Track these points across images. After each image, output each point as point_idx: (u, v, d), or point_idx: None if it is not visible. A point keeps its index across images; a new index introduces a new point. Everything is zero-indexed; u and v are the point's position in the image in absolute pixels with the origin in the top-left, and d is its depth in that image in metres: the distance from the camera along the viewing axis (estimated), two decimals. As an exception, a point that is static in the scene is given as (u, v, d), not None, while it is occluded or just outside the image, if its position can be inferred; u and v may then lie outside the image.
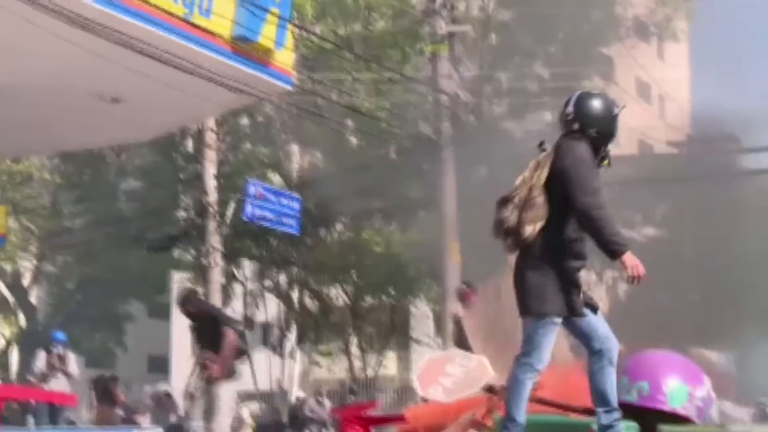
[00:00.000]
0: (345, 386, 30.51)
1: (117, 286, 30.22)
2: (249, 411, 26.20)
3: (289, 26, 12.96)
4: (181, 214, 25.63)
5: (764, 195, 28.95)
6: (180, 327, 27.93)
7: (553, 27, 27.73)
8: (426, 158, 21.99)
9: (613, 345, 5.82)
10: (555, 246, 5.73)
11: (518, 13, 27.21)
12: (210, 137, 21.34)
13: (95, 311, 31.29)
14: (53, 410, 14.54)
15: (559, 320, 5.75)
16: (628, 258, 5.64)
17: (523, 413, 5.77)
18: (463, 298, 11.83)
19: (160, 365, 36.40)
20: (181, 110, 13.74)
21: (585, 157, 5.82)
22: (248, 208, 17.87)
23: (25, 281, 30.81)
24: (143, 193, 28.40)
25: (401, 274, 26.61)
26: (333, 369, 30.89)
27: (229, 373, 10.56)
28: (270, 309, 29.91)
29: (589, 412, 6.60)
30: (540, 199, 5.72)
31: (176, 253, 27.18)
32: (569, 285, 5.75)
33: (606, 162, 6.00)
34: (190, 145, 24.99)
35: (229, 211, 22.54)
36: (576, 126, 5.95)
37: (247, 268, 28.85)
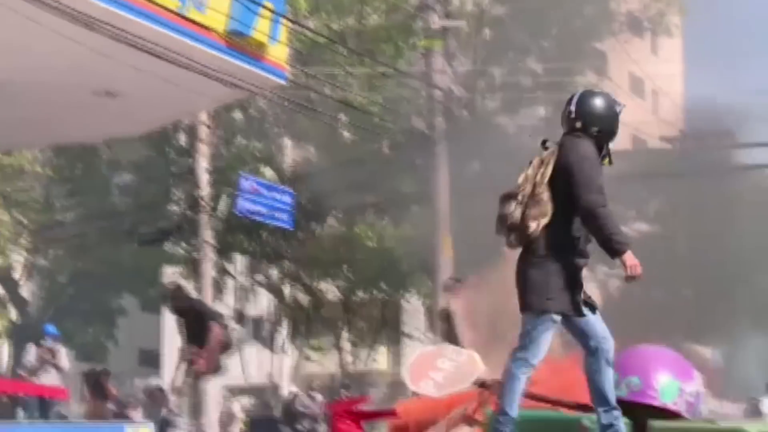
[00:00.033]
0: (336, 381, 30.54)
1: (109, 280, 30.17)
2: (240, 405, 26.24)
3: (283, 21, 12.94)
4: (174, 208, 25.61)
5: (757, 190, 29.02)
6: (172, 321, 27.87)
7: (546, 22, 27.73)
8: (419, 153, 21.99)
9: (610, 345, 5.86)
10: (559, 243, 5.76)
11: (512, 8, 27.20)
12: (203, 131, 21.33)
13: (87, 305, 31.23)
14: (44, 404, 14.51)
15: (559, 318, 5.78)
16: (629, 257, 5.68)
17: (515, 408, 5.79)
18: (451, 291, 11.87)
19: (151, 359, 36.40)
20: (175, 104, 13.72)
21: (590, 155, 5.87)
22: (240, 203, 17.85)
23: (17, 275, 30.75)
24: (136, 187, 28.35)
25: (393, 268, 26.61)
26: (324, 363, 30.91)
27: (215, 368, 10.55)
28: (261, 303, 29.94)
29: (581, 407, 6.62)
30: (545, 195, 5.75)
31: (168, 247, 27.15)
32: (573, 283, 5.79)
33: (607, 160, 6.04)
34: (182, 139, 24.97)
35: (222, 206, 22.53)
36: (578, 124, 5.99)
37: (239, 262, 28.86)
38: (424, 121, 21.40)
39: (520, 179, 5.93)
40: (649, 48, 37.95)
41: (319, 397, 25.14)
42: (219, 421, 21.61)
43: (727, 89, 29.56)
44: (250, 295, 29.73)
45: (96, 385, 18.10)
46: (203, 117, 21.02)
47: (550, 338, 5.81)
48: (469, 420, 6.99)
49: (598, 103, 6.04)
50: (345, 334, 29.16)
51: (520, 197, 5.80)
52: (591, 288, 6.15)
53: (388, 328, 29.82)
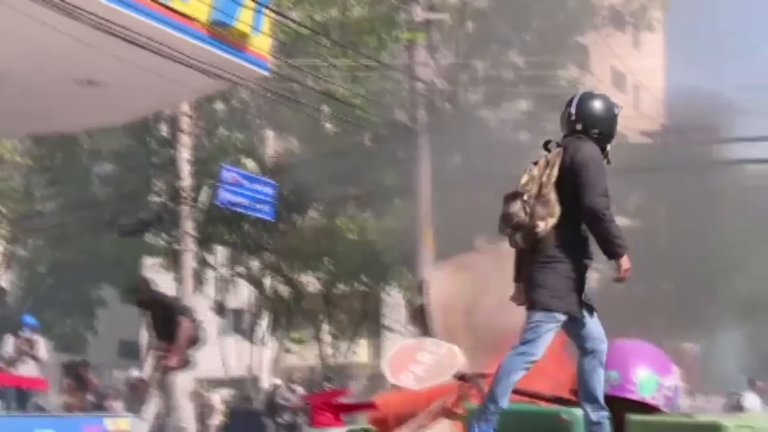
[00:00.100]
0: (316, 373, 30.53)
1: (89, 270, 30.04)
2: (220, 397, 26.20)
3: (266, 11, 12.90)
4: (155, 199, 25.51)
5: (738, 186, 29.16)
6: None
7: (529, 15, 27.77)
8: (401, 145, 21.98)
9: (605, 346, 5.94)
10: (567, 244, 5.80)
11: (495, 1, 27.23)
12: (185, 122, 21.25)
13: (66, 296, 31.11)
14: (22, 395, 14.45)
15: (564, 318, 5.82)
16: (625, 261, 5.79)
17: (507, 400, 5.83)
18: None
19: (131, 351, 36.27)
20: (157, 95, 13.67)
21: (596, 157, 5.92)
22: (222, 194, 17.83)
23: (-4, 265, 30.61)
24: (116, 178, 28.22)
25: (375, 261, 26.61)
26: (304, 356, 30.90)
27: (185, 363, 10.49)
28: (242, 295, 29.88)
29: (559, 400, 6.64)
30: (552, 196, 5.78)
31: (149, 238, 27.06)
32: (579, 284, 5.85)
33: (605, 162, 6.07)
34: (164, 129, 24.87)
35: (203, 197, 22.46)
36: (579, 126, 6.03)
37: (220, 253, 28.78)
38: (407, 114, 21.38)
39: (523, 179, 5.94)
40: (631, 42, 38.05)
41: (299, 389, 25.14)
42: (196, 414, 21.55)
43: (709, 84, 29.70)
44: (231, 286, 29.65)
45: (76, 377, 18.05)
46: (185, 107, 20.94)
47: (552, 337, 5.85)
48: (449, 413, 7.00)
49: (598, 105, 6.10)
50: (326, 327, 29.15)
51: (525, 197, 5.80)
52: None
53: (368, 320, 29.85)
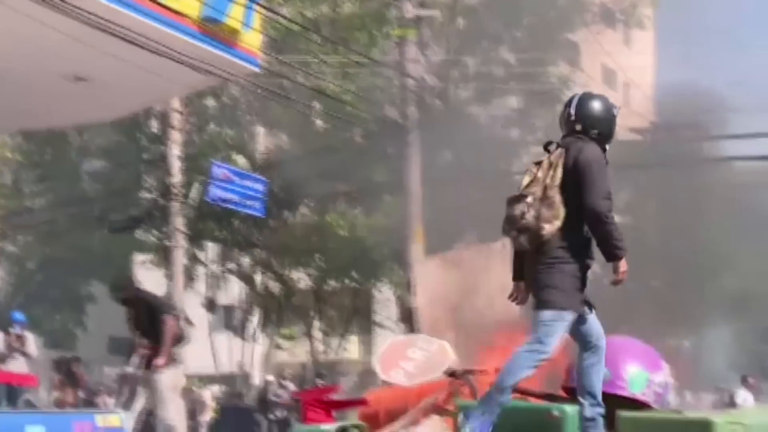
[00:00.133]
0: (307, 369, 30.54)
1: (79, 266, 30.00)
2: (211, 393, 26.19)
3: (257, 8, 12.88)
4: (145, 195, 25.48)
5: (727, 183, 29.23)
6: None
7: (519, 12, 27.77)
8: (392, 142, 21.98)
9: (604, 343, 6.01)
10: (572, 245, 5.83)
11: (485, -2, 27.23)
12: (175, 118, 21.22)
13: (56, 292, 31.07)
14: (11, 391, 14.42)
15: (573, 317, 5.85)
16: (623, 264, 5.85)
17: (510, 396, 5.88)
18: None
19: (121, 347, 36.21)
20: (148, 91, 13.64)
21: (599, 159, 5.95)
22: (213, 190, 17.81)
23: (-15, 261, 30.55)
24: (106, 174, 28.19)
25: (365, 257, 26.62)
26: (295, 352, 30.91)
27: (171, 361, 10.50)
28: (233, 291, 29.88)
29: (549, 397, 6.66)
30: (557, 198, 5.80)
31: (139, 234, 27.03)
32: (583, 283, 5.91)
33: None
34: (154, 125, 24.84)
35: (193, 193, 22.45)
36: (578, 127, 6.06)
37: (211, 249, 28.77)
38: (397, 110, 21.38)
39: (525, 180, 5.96)
40: (621, 40, 38.10)
41: (291, 386, 25.16)
42: (187, 410, 21.54)
43: (698, 82, 29.71)
44: (222, 282, 29.65)
45: (67, 373, 18.01)
46: (175, 104, 20.91)
47: (562, 335, 5.88)
48: (440, 410, 7.01)
49: (597, 105, 6.13)
50: (316, 323, 29.16)
51: (530, 199, 5.82)
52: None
53: (359, 317, 29.89)
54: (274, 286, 28.55)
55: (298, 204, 26.68)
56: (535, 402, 6.66)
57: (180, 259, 21.39)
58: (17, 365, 14.76)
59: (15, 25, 10.67)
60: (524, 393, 6.76)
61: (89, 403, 18.73)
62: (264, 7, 14.34)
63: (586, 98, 6.18)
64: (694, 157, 25.80)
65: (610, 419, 5.96)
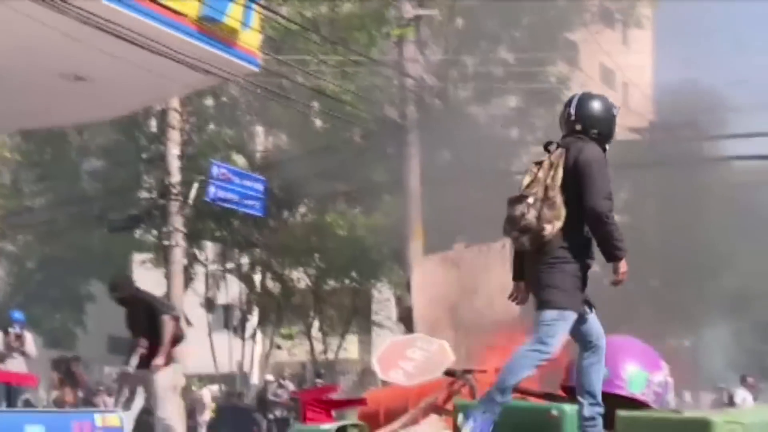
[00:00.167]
0: (306, 369, 30.52)
1: (78, 265, 30.01)
2: (210, 393, 26.18)
3: (256, 7, 12.88)
4: (144, 194, 25.48)
5: (726, 182, 29.23)
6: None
7: (518, 12, 27.78)
8: (391, 142, 21.97)
9: (604, 342, 6.03)
10: (572, 245, 5.85)
11: (484, -3, 27.23)
12: (174, 117, 21.21)
13: (56, 291, 31.08)
14: (10, 391, 14.41)
15: (575, 317, 5.87)
16: (623, 264, 5.88)
17: (510, 395, 5.89)
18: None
19: (120, 346, 36.21)
20: (147, 90, 13.63)
21: (600, 159, 5.97)
22: (212, 190, 17.81)
23: (-15, 260, 30.55)
24: (106, 173, 28.19)
25: (364, 257, 26.62)
26: (294, 352, 30.90)
27: (170, 361, 10.53)
28: (232, 291, 29.87)
29: (548, 396, 6.66)
30: (558, 198, 5.82)
31: (138, 233, 27.03)
32: (584, 283, 5.92)
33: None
34: (153, 124, 24.84)
35: (192, 192, 22.43)
36: (578, 126, 6.07)
37: (210, 249, 28.76)
38: (397, 110, 21.38)
39: (525, 181, 5.97)
40: (620, 39, 38.11)
41: (290, 385, 25.16)
42: (186, 410, 21.54)
43: (697, 81, 29.70)
44: (221, 282, 29.65)
45: (67, 372, 18.00)
46: (174, 103, 20.90)
47: (565, 335, 5.90)
48: (439, 409, 7.02)
49: (597, 105, 6.15)
50: (315, 323, 29.15)
51: (531, 200, 5.83)
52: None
53: (358, 316, 29.87)
54: (274, 286, 28.56)
55: (297, 204, 26.68)
56: (534, 401, 6.66)
57: (179, 258, 21.36)
58: (16, 365, 14.73)
59: (14, 25, 10.67)
60: (523, 392, 6.77)
61: (88, 402, 18.72)
62: (263, 7, 14.35)
63: (586, 98, 6.19)
64: (692, 157, 25.81)
65: (609, 419, 5.96)
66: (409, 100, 20.98)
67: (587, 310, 5.96)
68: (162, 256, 23.16)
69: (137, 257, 29.54)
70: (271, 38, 18.37)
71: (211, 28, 11.94)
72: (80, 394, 18.69)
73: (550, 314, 5.83)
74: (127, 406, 10.50)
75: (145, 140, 25.50)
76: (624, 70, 35.75)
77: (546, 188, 5.85)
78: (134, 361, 10.56)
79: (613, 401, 6.19)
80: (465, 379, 7.02)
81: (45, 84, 12.54)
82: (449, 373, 7.18)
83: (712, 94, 29.09)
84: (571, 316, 5.85)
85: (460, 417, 5.76)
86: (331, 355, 29.34)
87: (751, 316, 30.34)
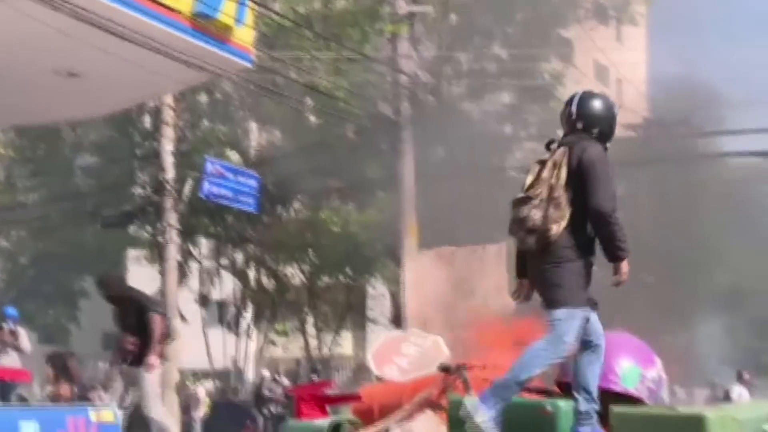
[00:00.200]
0: (300, 365, 30.52)
1: (72, 261, 29.97)
2: (204, 389, 26.19)
3: (249, 3, 12.87)
4: (138, 190, 25.46)
5: (721, 179, 29.28)
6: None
7: (512, 8, 27.78)
8: (385, 138, 21.98)
9: (603, 341, 6.07)
10: (576, 244, 5.86)
11: (478, -7, 27.22)
12: (168, 114, 21.19)
13: (49, 287, 31.04)
14: (4, 386, 14.39)
15: (586, 314, 5.89)
16: (625, 265, 5.91)
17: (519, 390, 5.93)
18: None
19: (114, 342, 36.16)
20: (140, 86, 13.62)
21: (603, 159, 5.98)
22: (205, 186, 17.80)
23: (-22, 256, 30.50)
24: (99, 169, 28.15)
25: (358, 253, 26.63)
26: (289, 348, 30.90)
27: (161, 359, 10.55)
28: (226, 287, 29.86)
29: (543, 392, 6.67)
30: (563, 198, 5.84)
31: (132, 229, 27.00)
32: (588, 281, 5.95)
33: None
34: (147, 121, 24.81)
35: (186, 189, 22.41)
36: (579, 125, 6.09)
37: (204, 245, 28.74)
38: (390, 107, 21.38)
39: (528, 180, 5.99)
40: (614, 36, 38.14)
41: (285, 381, 25.16)
42: (181, 405, 21.56)
43: (691, 78, 29.75)
44: (215, 278, 29.63)
45: (63, 368, 17.98)
46: (168, 99, 20.87)
47: (579, 333, 5.90)
48: (433, 404, 7.03)
49: (598, 104, 6.16)
50: (310, 319, 29.15)
51: (537, 200, 5.85)
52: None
53: (353, 312, 29.88)
54: (268, 282, 28.55)
55: (291, 200, 26.68)
56: (528, 397, 6.67)
57: (173, 254, 21.36)
58: (10, 360, 14.72)
59: (8, 21, 10.65)
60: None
61: (83, 398, 18.69)
62: (256, 3, 14.34)
63: (587, 97, 6.21)
64: (687, 153, 25.86)
65: (602, 415, 5.97)
66: (403, 96, 20.98)
67: (594, 308, 5.99)
68: (156, 252, 23.17)
69: (131, 253, 29.51)
70: (264, 35, 18.35)
71: (204, 25, 11.94)
72: (75, 389, 18.66)
73: (560, 313, 5.85)
74: (120, 403, 10.52)
75: (139, 136, 25.47)
76: (618, 67, 35.79)
77: (551, 188, 5.87)
78: (118, 358, 10.58)
79: (607, 397, 6.20)
80: (459, 374, 7.03)
81: (38, 80, 12.53)
82: (443, 368, 7.19)
83: (707, 91, 29.12)
84: (582, 314, 5.88)
85: (468, 405, 5.73)
86: (325, 351, 29.35)
87: (745, 312, 30.40)
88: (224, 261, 28.62)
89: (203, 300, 29.71)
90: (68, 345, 28.69)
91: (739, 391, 19.45)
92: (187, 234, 24.69)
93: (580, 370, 6.01)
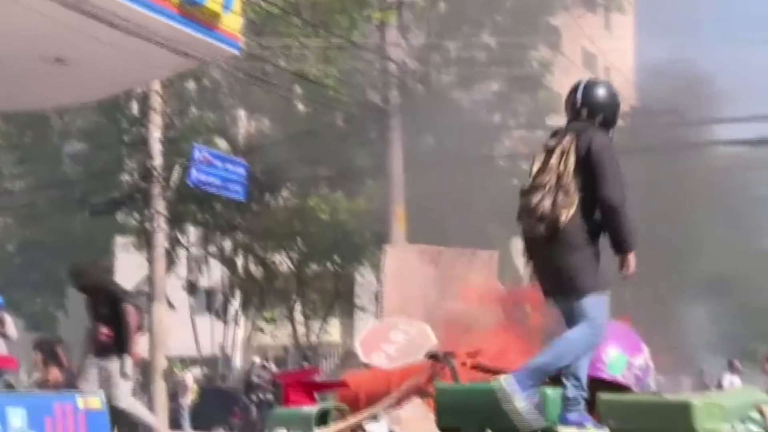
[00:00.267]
0: (288, 352, 30.54)
1: (59, 249, 29.87)
2: (192, 376, 26.19)
3: (237, -10, 12.82)
4: (126, 177, 25.40)
5: (707, 167, 29.37)
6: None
7: (500, -4, 27.78)
8: (373, 126, 21.97)
9: None
10: (587, 229, 5.91)
11: (467, -19, 27.19)
12: (155, 100, 21.12)
13: (36, 275, 30.95)
14: (-9, 374, 14.36)
15: (608, 295, 5.95)
16: (633, 257, 5.95)
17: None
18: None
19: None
20: (128, 73, 13.55)
21: (611, 148, 6.03)
22: (193, 173, 17.76)
23: (-35, 243, 30.40)
24: (87, 156, 28.06)
25: (347, 241, 26.63)
26: (276, 335, 30.91)
27: (132, 350, 10.56)
28: (214, 274, 29.85)
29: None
30: (572, 185, 5.88)
31: (120, 216, 26.94)
32: (598, 266, 5.99)
33: None
34: (135, 107, 24.73)
35: (174, 176, 22.37)
36: (584, 112, 6.13)
37: (192, 233, 28.71)
38: (379, 94, 21.37)
39: (535, 167, 6.03)
40: (602, 24, 38.15)
41: (274, 368, 25.19)
42: (168, 393, 21.55)
43: (680, 67, 29.79)
44: (203, 266, 29.61)
45: (52, 354, 17.96)
46: (156, 86, 20.80)
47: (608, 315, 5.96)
48: (421, 392, 7.04)
49: (603, 92, 6.23)
50: (298, 306, 29.16)
51: (546, 188, 5.88)
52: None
53: (341, 300, 29.89)
54: (256, 270, 28.54)
55: (279, 188, 26.65)
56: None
57: (161, 242, 21.31)
58: (-4, 347, 14.68)
59: (-6, 7, 10.60)
60: (501, 373, 6.78)
61: (71, 385, 18.66)
62: (245, -10, 14.28)
63: (591, 85, 6.27)
64: (674, 142, 25.91)
65: (590, 402, 5.99)
66: (392, 84, 20.98)
67: None
68: (144, 239, 23.10)
69: (119, 240, 29.44)
70: (252, 22, 18.29)
71: (192, 11, 11.88)
72: (64, 374, 18.62)
73: (588, 300, 5.90)
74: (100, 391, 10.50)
75: (127, 123, 25.39)
76: (606, 55, 35.79)
77: (559, 176, 5.91)
78: (92, 349, 10.59)
79: (594, 384, 6.22)
80: (446, 362, 7.04)
81: (25, 66, 12.46)
82: (431, 355, 7.20)
83: (694, 80, 29.17)
84: (605, 296, 5.95)
85: (505, 389, 5.72)
86: (313, 339, 29.38)
87: (732, 300, 30.52)
88: (212, 248, 28.60)
89: (191, 287, 29.69)
90: (55, 333, 28.58)
91: (730, 379, 19.55)
92: (175, 221, 24.64)
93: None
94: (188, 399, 24.56)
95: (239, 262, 28.61)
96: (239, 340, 31.67)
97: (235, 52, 13.12)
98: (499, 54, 26.51)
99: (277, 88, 21.45)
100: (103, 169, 25.79)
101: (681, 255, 28.90)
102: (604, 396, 5.89)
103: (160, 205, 20.91)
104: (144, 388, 20.75)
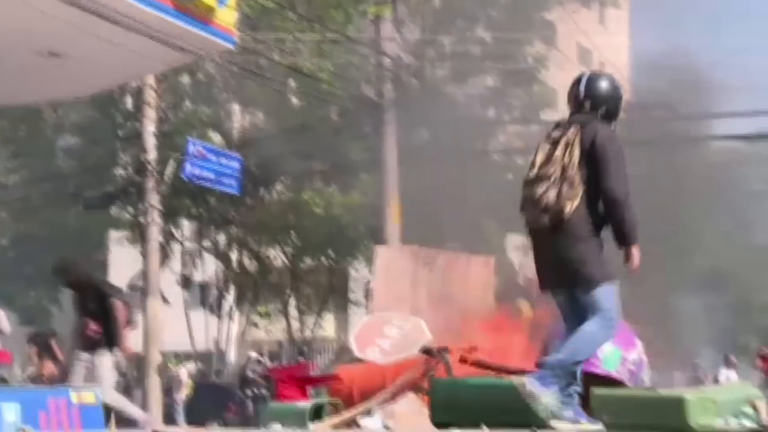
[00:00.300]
0: (282, 347, 30.53)
1: (53, 243, 29.80)
2: (186, 370, 26.17)
3: (232, -16, 12.80)
4: (120, 171, 25.36)
5: (703, 162, 29.39)
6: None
7: (495, -10, 27.78)
8: (368, 120, 21.96)
9: None
10: (592, 221, 5.94)
11: (461, -24, 27.18)
12: (150, 95, 21.09)
13: (30, 268, 30.87)
14: (-16, 368, 14.36)
15: (617, 284, 5.97)
16: (636, 250, 6.00)
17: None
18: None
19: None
20: (122, 67, 13.52)
21: (615, 141, 6.05)
22: (187, 167, 17.74)
23: (-42, 237, 30.34)
24: (81, 150, 28.01)
25: (341, 235, 26.61)
26: (271, 330, 30.90)
27: (120, 344, 10.59)
28: (208, 269, 29.82)
29: (524, 373, 6.69)
30: (577, 177, 5.90)
31: (114, 210, 26.90)
32: (603, 257, 6.02)
33: None
34: (129, 102, 24.69)
35: (169, 170, 22.34)
36: (587, 105, 6.16)
37: (186, 227, 28.67)
38: (373, 89, 21.36)
39: (539, 158, 6.03)
40: (597, 19, 38.15)
41: (268, 362, 25.18)
42: (162, 388, 21.54)
43: (674, 62, 29.82)
44: (197, 260, 29.58)
45: (46, 347, 17.96)
46: (150, 80, 20.77)
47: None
48: (415, 386, 7.05)
49: (605, 85, 6.26)
50: (292, 301, 29.15)
51: (551, 179, 5.90)
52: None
53: (335, 294, 29.87)
54: (250, 264, 28.51)
55: (273, 182, 26.62)
56: (509, 378, 6.69)
57: (155, 236, 21.29)
58: (-11, 341, 14.67)
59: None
60: (498, 369, 6.80)
61: (65, 379, 18.64)
62: (240, -16, 14.25)
63: (594, 77, 6.31)
64: (670, 137, 25.93)
65: (584, 397, 6.00)
66: (386, 78, 20.97)
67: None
68: (138, 233, 23.08)
69: (113, 234, 29.40)
70: (247, 16, 18.26)
71: (187, 6, 11.85)
72: (59, 368, 18.60)
73: (599, 291, 5.92)
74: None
75: (121, 117, 25.34)
76: (601, 50, 35.80)
77: (564, 167, 5.92)
78: (79, 344, 10.61)
79: (588, 379, 6.22)
80: (441, 357, 7.05)
81: (19, 60, 12.42)
82: (425, 350, 7.21)
83: (690, 74, 29.19)
84: (614, 285, 5.96)
85: (529, 387, 5.73)
86: (307, 333, 29.37)
87: (728, 294, 30.58)
88: (206, 243, 28.57)
89: (185, 282, 29.66)
90: (49, 326, 28.54)
91: (726, 374, 19.61)
92: (170, 215, 24.61)
93: None
94: (183, 394, 24.53)
95: (233, 256, 28.59)
96: (234, 335, 31.65)
97: (230, 46, 13.10)
98: (493, 49, 26.50)
99: (271, 82, 21.42)
100: (97, 163, 25.75)
101: (677, 250, 28.93)
102: (597, 391, 5.89)
103: (154, 199, 20.88)
104: (138, 383, 20.74)
